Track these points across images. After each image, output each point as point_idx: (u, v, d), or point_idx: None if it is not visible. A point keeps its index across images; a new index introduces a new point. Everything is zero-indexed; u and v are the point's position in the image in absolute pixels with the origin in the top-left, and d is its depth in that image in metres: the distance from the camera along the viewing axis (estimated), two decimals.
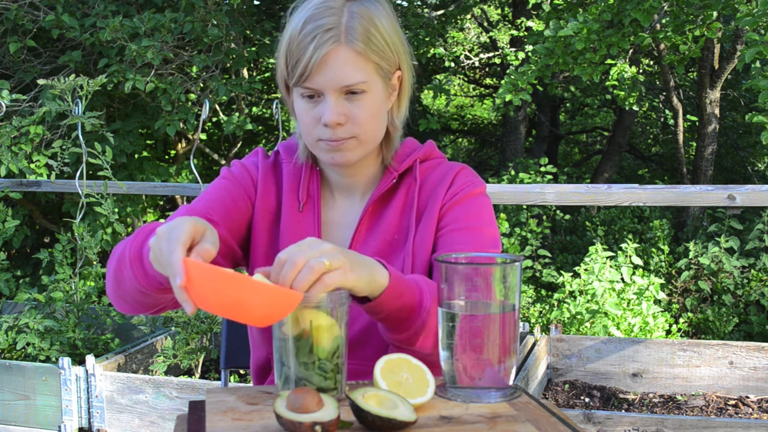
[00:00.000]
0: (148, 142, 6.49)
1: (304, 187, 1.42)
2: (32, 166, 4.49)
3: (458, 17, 7.52)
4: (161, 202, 6.96)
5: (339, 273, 1.04)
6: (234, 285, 0.98)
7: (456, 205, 1.39)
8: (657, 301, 4.33)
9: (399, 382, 1.05)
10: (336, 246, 1.07)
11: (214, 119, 6.72)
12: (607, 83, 5.46)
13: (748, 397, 3.37)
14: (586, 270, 4.12)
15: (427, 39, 6.59)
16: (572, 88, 8.66)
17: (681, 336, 4.56)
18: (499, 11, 9.92)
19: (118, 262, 1.23)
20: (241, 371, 3.60)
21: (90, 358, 3.15)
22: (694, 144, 7.36)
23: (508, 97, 4.96)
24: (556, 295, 4.41)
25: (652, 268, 5.07)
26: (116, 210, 3.65)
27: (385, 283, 1.12)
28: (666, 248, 5.20)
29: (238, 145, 6.90)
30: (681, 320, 4.66)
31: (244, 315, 1.01)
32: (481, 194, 1.43)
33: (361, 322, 1.38)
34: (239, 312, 1.00)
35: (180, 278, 0.98)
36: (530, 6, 5.89)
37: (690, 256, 4.82)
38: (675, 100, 6.60)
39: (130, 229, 5.69)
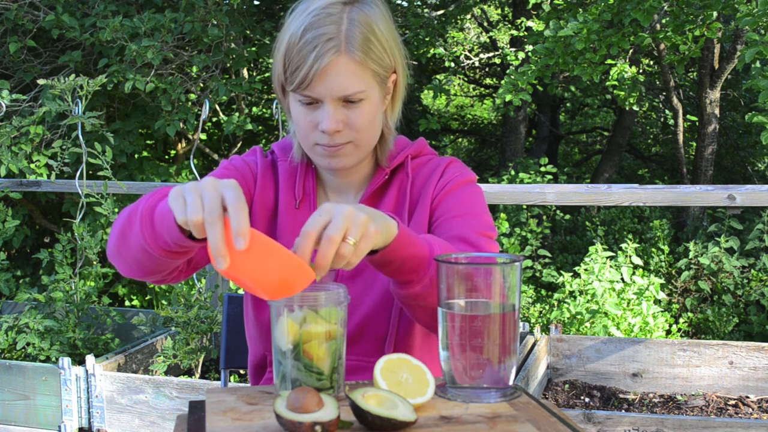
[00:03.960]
0: (148, 142, 6.49)
1: (300, 185, 1.44)
2: (32, 166, 4.48)
3: (458, 17, 7.51)
4: None
5: (366, 239, 1.04)
6: (262, 247, 0.98)
7: (448, 194, 1.40)
8: (657, 301, 4.33)
9: (399, 382, 1.05)
10: (351, 206, 1.05)
11: (214, 119, 6.71)
12: (607, 83, 5.46)
13: (748, 397, 3.37)
14: (586, 270, 4.11)
15: (427, 39, 6.58)
16: (572, 88, 8.65)
17: (681, 336, 4.55)
18: (499, 11, 9.92)
19: (129, 217, 1.20)
20: (241, 371, 3.59)
21: (90, 358, 3.15)
22: (694, 144, 7.35)
23: (508, 97, 4.96)
24: (556, 295, 4.40)
25: (652, 268, 5.07)
26: (116, 210, 3.64)
27: (395, 230, 1.12)
28: (666, 248, 5.19)
29: (238, 145, 6.89)
30: (681, 320, 4.65)
31: (262, 282, 0.99)
32: (471, 183, 1.44)
33: (358, 317, 1.38)
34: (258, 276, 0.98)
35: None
36: (530, 6, 5.88)
37: (690, 256, 4.82)
38: (675, 100, 6.60)
39: None
